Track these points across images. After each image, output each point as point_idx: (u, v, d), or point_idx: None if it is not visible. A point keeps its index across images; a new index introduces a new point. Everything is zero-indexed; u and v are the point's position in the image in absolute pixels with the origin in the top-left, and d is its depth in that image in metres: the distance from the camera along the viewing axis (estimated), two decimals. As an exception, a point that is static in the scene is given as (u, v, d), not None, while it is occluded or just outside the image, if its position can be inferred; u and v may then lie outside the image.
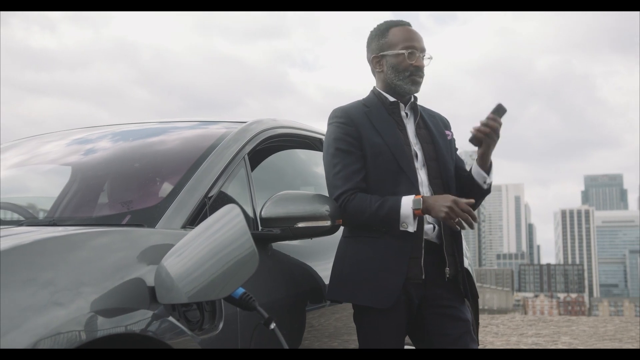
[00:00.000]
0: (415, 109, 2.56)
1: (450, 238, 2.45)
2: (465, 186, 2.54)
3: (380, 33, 2.55)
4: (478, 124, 2.44)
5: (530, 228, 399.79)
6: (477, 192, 2.52)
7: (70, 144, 2.85)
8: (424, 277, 2.37)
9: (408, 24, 2.55)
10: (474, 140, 2.46)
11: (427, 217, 2.40)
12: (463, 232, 2.60)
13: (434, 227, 2.43)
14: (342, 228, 2.46)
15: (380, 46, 2.53)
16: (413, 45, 2.47)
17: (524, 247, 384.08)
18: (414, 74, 2.47)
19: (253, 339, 2.01)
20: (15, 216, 2.35)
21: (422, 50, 2.50)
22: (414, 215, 2.31)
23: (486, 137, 2.43)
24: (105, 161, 2.62)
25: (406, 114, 2.53)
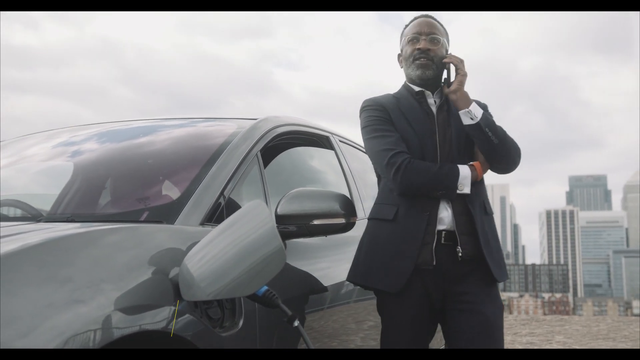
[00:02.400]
0: (441, 96, 2.57)
1: (464, 218, 2.42)
2: (474, 140, 2.48)
3: (401, 33, 2.65)
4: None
5: (515, 228, 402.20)
6: (474, 133, 2.43)
7: (84, 141, 2.82)
8: (434, 263, 2.38)
9: (424, 16, 2.60)
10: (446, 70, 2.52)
11: (444, 203, 2.42)
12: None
13: (449, 214, 2.42)
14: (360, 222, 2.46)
15: (400, 44, 2.64)
16: (417, 32, 2.54)
17: (509, 247, 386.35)
18: (417, 58, 2.51)
19: (275, 336, 2.01)
20: (19, 213, 2.30)
21: (428, 33, 2.53)
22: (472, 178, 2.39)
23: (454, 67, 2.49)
24: (119, 158, 2.59)
25: (435, 101, 2.55)
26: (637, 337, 8.09)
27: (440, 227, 2.41)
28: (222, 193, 2.14)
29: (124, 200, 2.36)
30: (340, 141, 3.34)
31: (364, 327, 2.83)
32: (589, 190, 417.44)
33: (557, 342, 7.75)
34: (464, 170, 2.40)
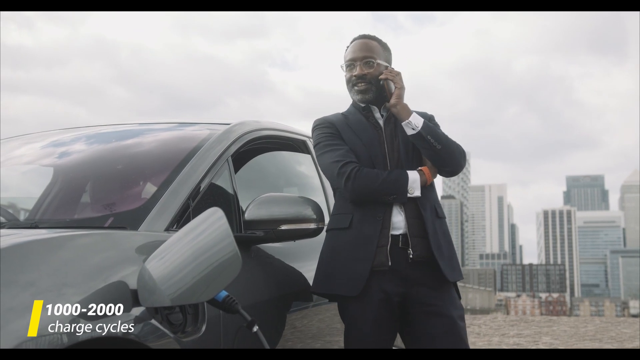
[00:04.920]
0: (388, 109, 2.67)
1: (416, 221, 2.52)
2: (419, 149, 2.59)
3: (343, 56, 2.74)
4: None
5: (512, 228, 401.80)
6: (418, 141, 2.55)
7: (53, 145, 2.83)
8: (390, 264, 2.45)
9: (360, 37, 2.72)
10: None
11: (397, 208, 2.51)
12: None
13: (402, 218, 2.51)
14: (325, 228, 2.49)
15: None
16: (352, 58, 2.66)
17: (507, 247, 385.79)
18: (355, 84, 2.64)
19: (236, 341, 2.01)
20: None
21: (362, 58, 2.64)
22: (420, 182, 2.51)
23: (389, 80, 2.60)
24: (88, 163, 2.61)
25: (382, 114, 2.67)
26: (623, 338, 8.14)
27: (394, 231, 2.50)
28: (189, 198, 2.16)
29: (91, 206, 2.37)
30: (317, 145, 3.36)
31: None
32: (586, 190, 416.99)
33: (544, 343, 7.79)
34: (413, 175, 2.51)
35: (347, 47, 2.72)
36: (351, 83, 2.65)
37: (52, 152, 2.79)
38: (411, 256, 2.48)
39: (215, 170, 2.36)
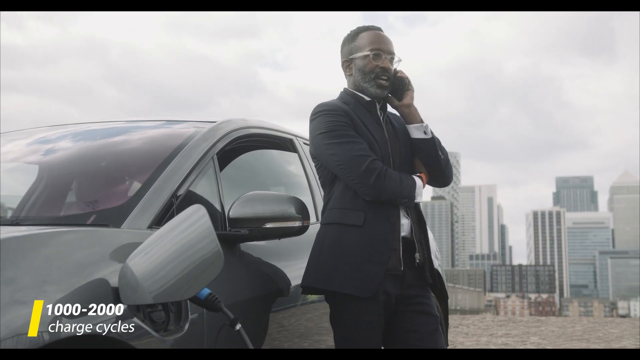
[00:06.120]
0: (384, 108, 2.63)
1: (417, 226, 2.54)
2: (418, 154, 2.59)
3: (350, 38, 2.62)
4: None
5: (502, 229, 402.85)
6: (425, 147, 2.56)
7: (38, 143, 2.82)
8: (402, 268, 2.44)
9: (378, 29, 2.61)
10: (396, 83, 2.56)
11: (403, 211, 2.48)
12: (436, 234, 2.67)
13: (408, 222, 2.50)
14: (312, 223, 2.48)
15: (350, 50, 2.61)
16: (379, 48, 2.54)
17: (496, 248, 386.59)
18: (379, 76, 2.53)
19: (219, 340, 2.00)
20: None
21: (390, 53, 2.56)
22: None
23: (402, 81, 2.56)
24: (72, 160, 2.59)
25: (380, 112, 2.60)
26: (610, 338, 8.17)
27: (401, 234, 2.47)
28: (173, 195, 2.14)
29: (74, 203, 2.36)
30: (304, 143, 3.35)
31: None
32: (575, 191, 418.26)
33: (532, 343, 7.82)
34: (418, 180, 2.50)
35: (359, 34, 2.59)
36: (374, 73, 2.52)
37: (38, 149, 2.77)
38: (417, 261, 2.49)
39: (200, 168, 2.35)
